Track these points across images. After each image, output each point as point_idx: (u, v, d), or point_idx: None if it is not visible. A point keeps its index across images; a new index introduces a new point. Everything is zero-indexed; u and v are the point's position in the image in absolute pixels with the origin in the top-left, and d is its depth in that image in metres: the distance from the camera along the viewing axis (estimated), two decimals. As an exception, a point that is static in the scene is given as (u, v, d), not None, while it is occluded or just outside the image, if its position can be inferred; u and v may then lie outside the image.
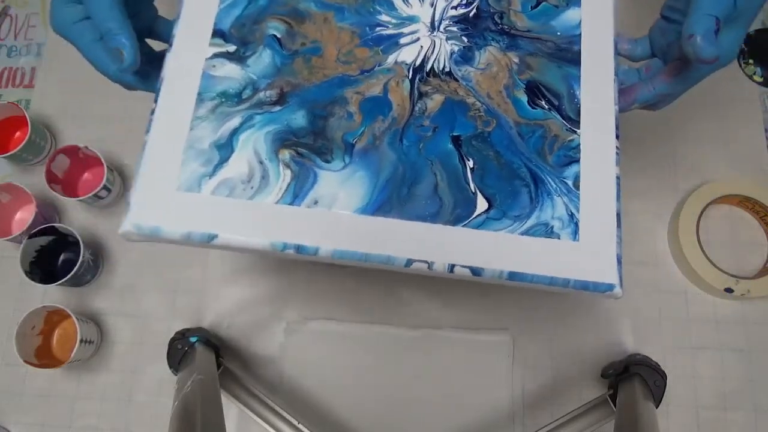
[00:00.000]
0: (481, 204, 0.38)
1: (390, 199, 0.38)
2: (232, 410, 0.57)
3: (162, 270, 0.63)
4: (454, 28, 0.42)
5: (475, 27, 0.42)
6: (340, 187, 0.38)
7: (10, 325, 0.58)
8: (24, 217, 0.64)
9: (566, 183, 0.39)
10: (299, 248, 0.36)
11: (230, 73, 0.40)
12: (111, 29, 0.37)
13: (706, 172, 0.65)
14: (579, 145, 0.40)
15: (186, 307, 0.62)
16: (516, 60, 0.42)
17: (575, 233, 0.38)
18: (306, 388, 0.60)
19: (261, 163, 0.38)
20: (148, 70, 0.41)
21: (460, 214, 0.38)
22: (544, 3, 0.43)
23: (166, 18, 0.44)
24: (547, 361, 0.60)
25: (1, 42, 0.73)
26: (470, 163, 0.39)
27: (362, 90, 0.40)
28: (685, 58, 0.39)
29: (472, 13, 0.43)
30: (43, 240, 0.60)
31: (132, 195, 0.37)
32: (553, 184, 0.39)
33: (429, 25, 0.42)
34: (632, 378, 0.52)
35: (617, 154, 0.40)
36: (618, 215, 0.38)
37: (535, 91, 0.41)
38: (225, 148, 0.38)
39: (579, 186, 0.39)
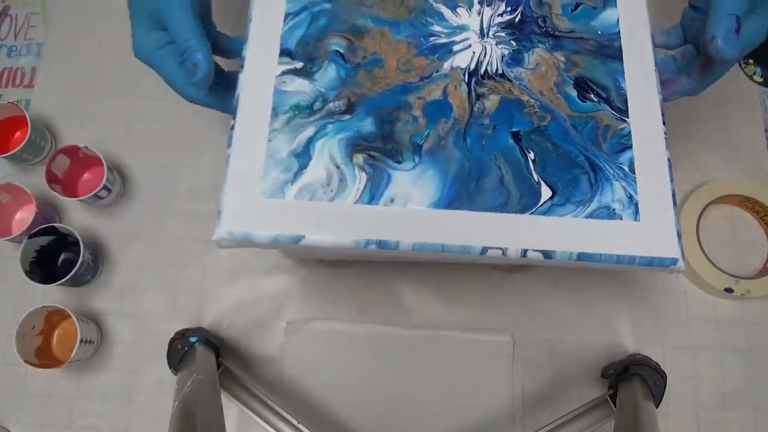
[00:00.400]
0: (545, 192, 0.41)
1: (460, 194, 0.40)
2: (232, 410, 0.57)
3: (162, 270, 0.63)
4: (502, 34, 0.45)
5: (521, 31, 0.46)
6: (413, 185, 0.40)
7: (10, 325, 0.58)
8: (24, 217, 0.64)
9: (622, 168, 0.42)
10: (381, 243, 0.39)
11: (300, 87, 0.43)
12: (191, 46, 0.40)
13: (706, 172, 0.65)
14: (630, 132, 0.43)
15: (186, 307, 0.62)
16: (562, 59, 0.45)
17: (636, 214, 0.41)
18: (306, 388, 0.60)
19: (337, 167, 0.40)
20: (219, 87, 0.44)
21: (526, 203, 0.40)
22: (582, 5, 0.46)
23: (225, 34, 0.46)
24: (547, 361, 0.60)
25: (1, 42, 0.73)
26: (531, 156, 0.42)
27: (423, 95, 0.43)
28: (708, 59, 0.42)
29: (517, 19, 0.46)
30: (43, 240, 0.60)
31: (222, 204, 0.40)
32: (610, 169, 0.42)
33: (478, 32, 0.45)
34: (632, 378, 0.52)
35: (665, 138, 0.43)
36: (673, 194, 0.42)
37: (583, 85, 0.44)
38: (303, 156, 0.41)
39: (634, 170, 0.42)
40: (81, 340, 0.57)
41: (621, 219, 0.40)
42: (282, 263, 0.63)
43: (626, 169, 0.42)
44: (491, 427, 0.58)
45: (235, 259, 0.63)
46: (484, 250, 0.39)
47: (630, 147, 0.42)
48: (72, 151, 0.62)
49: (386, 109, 0.42)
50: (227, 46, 0.45)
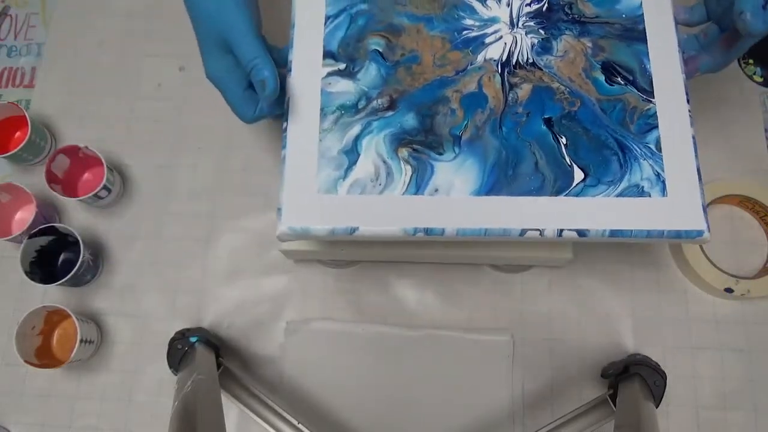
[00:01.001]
0: (578, 174, 0.43)
1: (498, 180, 0.43)
2: (232, 410, 0.57)
3: (162, 270, 0.63)
4: (531, 23, 0.47)
5: (549, 20, 0.48)
6: (455, 174, 0.43)
7: (10, 325, 0.58)
8: (24, 217, 0.64)
9: (649, 147, 0.44)
10: (428, 231, 0.42)
11: (345, 88, 0.45)
12: (257, 65, 0.42)
13: (706, 172, 0.64)
14: (656, 112, 0.45)
15: (186, 307, 0.62)
16: (589, 44, 0.47)
17: (663, 190, 0.43)
18: (306, 388, 0.60)
19: (384, 162, 0.43)
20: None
21: (561, 185, 0.43)
22: None
23: (276, 46, 0.48)
24: (547, 361, 0.60)
25: (1, 42, 0.73)
26: (563, 140, 0.44)
27: (460, 88, 0.45)
28: (736, 30, 0.42)
29: (544, 8, 0.48)
30: (43, 240, 0.60)
31: (282, 201, 0.43)
32: (638, 149, 0.44)
33: (509, 23, 0.48)
34: (632, 378, 0.52)
35: (690, 116, 0.44)
36: (698, 170, 0.43)
37: (610, 69, 0.46)
38: (351, 153, 0.44)
39: (661, 148, 0.44)
40: (81, 340, 0.57)
41: (650, 196, 0.42)
42: (282, 263, 0.63)
43: (653, 148, 0.44)
44: (491, 427, 0.58)
45: (235, 259, 0.63)
46: (523, 231, 0.42)
47: (656, 127, 0.44)
48: (72, 151, 0.62)
49: (426, 104, 0.45)
50: (278, 57, 0.47)
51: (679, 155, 0.44)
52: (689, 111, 0.45)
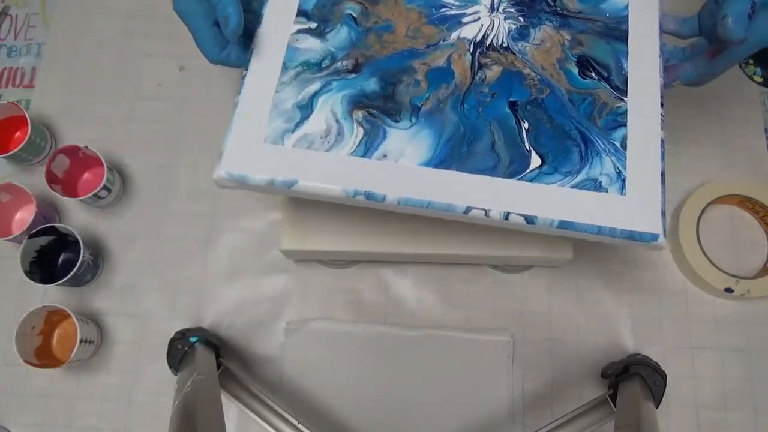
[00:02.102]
0: (535, 160, 0.42)
1: (451, 154, 0.42)
2: (232, 410, 0.57)
3: (162, 270, 0.63)
4: (512, 9, 0.47)
5: (530, 8, 0.47)
6: (407, 143, 0.42)
7: (10, 325, 0.58)
8: (24, 217, 0.64)
9: (614, 144, 0.42)
10: (369, 195, 0.41)
11: (311, 45, 0.45)
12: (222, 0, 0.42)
13: (706, 172, 0.65)
14: (626, 111, 0.44)
15: (186, 307, 0.62)
16: (568, 37, 0.46)
17: (622, 188, 0.41)
18: (306, 388, 0.60)
19: (337, 121, 0.43)
20: (246, 45, 0.45)
21: (515, 168, 0.42)
22: None
23: None
24: (547, 361, 0.60)
25: (1, 42, 0.73)
26: (525, 125, 0.43)
27: (428, 61, 0.45)
28: (723, 42, 0.42)
29: None
30: (43, 240, 0.60)
31: (225, 146, 0.42)
32: (601, 144, 0.43)
33: (489, 6, 0.47)
34: (632, 378, 0.52)
35: (662, 119, 0.43)
36: (663, 174, 0.42)
37: (585, 64, 0.45)
38: (306, 108, 0.43)
39: (626, 146, 0.42)
40: (81, 340, 0.56)
41: (607, 192, 0.41)
42: (282, 263, 0.63)
43: (618, 145, 0.42)
44: (491, 427, 0.58)
45: (235, 259, 0.63)
46: (468, 209, 0.40)
47: (624, 125, 0.43)
48: (72, 151, 0.62)
49: (391, 71, 0.44)
50: (257, 9, 0.47)
51: (644, 156, 0.42)
52: (662, 115, 0.44)
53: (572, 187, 0.41)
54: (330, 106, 0.43)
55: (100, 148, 0.62)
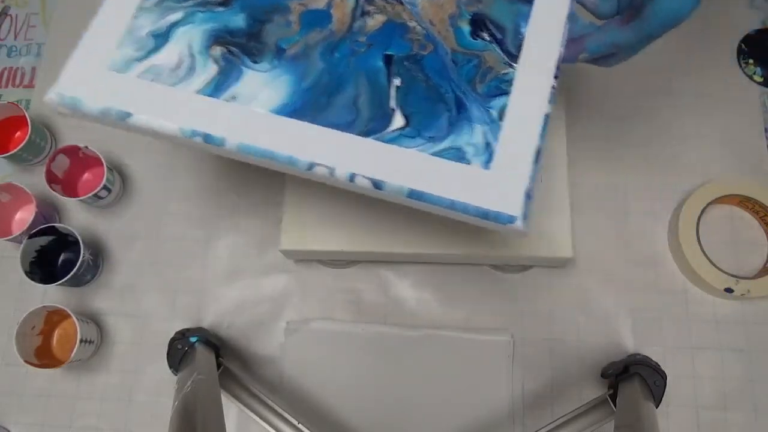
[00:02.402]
0: (398, 120, 0.38)
1: (307, 105, 0.38)
2: (232, 410, 0.57)
3: (162, 270, 0.63)
4: None
5: None
6: (262, 87, 0.39)
7: (10, 325, 0.58)
8: (24, 217, 0.64)
9: (491, 113, 0.39)
10: (206, 137, 0.38)
11: None
12: None
13: (706, 172, 0.64)
14: (512, 79, 0.40)
15: (186, 307, 0.62)
16: None
17: (488, 162, 0.37)
18: (306, 388, 0.60)
19: (191, 55, 0.40)
20: None
21: (373, 127, 0.38)
22: None
23: None
24: (547, 361, 0.60)
25: (1, 42, 0.73)
26: (397, 81, 0.40)
27: (306, 2, 0.42)
28: (635, 8, 0.39)
29: None
30: (43, 240, 0.60)
31: (65, 66, 0.39)
32: (476, 111, 0.39)
33: None
34: (632, 378, 0.52)
35: (552, 93, 0.39)
36: (538, 152, 0.38)
37: (479, 23, 0.42)
38: (161, 37, 0.40)
39: (503, 117, 0.39)
40: (81, 340, 0.57)
41: (469, 164, 0.37)
42: (282, 263, 0.63)
43: (495, 114, 0.39)
44: (491, 427, 0.58)
45: (235, 259, 0.63)
46: (311, 165, 0.37)
47: (507, 93, 0.39)
48: (72, 151, 0.62)
49: (263, 8, 0.41)
50: None
51: (521, 130, 0.38)
52: (553, 88, 0.39)
53: (432, 154, 0.37)
54: (188, 39, 0.40)
55: (100, 148, 0.62)
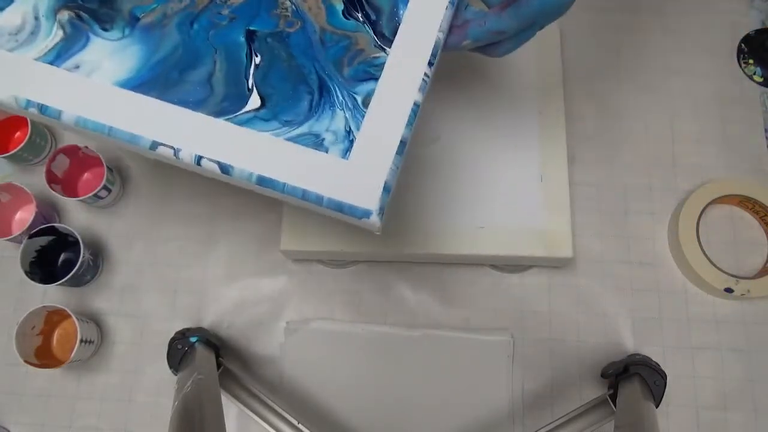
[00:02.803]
0: (254, 101, 0.36)
1: (156, 79, 0.36)
2: (232, 410, 0.57)
3: (162, 270, 0.63)
4: None
5: None
6: (109, 57, 0.37)
7: (10, 325, 0.58)
8: (24, 217, 0.64)
9: (355, 98, 0.37)
10: (42, 108, 0.35)
11: None
12: None
13: (706, 172, 0.65)
14: (383, 63, 0.38)
15: (186, 307, 0.62)
16: None
17: (347, 151, 0.35)
18: (306, 388, 0.60)
19: (36, 18, 0.37)
20: None
21: (226, 107, 0.36)
22: None
23: None
24: (547, 361, 0.60)
25: (1, 42, 0.73)
26: (257, 59, 0.38)
27: None
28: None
29: None
30: (43, 240, 0.60)
31: None
32: (340, 96, 0.37)
33: None
34: (632, 378, 0.52)
35: (425, 81, 0.37)
36: (403, 143, 0.36)
37: (354, 1, 0.39)
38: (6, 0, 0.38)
39: (368, 104, 0.36)
40: (81, 340, 0.57)
41: (327, 152, 0.35)
42: (282, 263, 0.63)
43: (359, 100, 0.37)
44: (491, 427, 0.58)
45: (235, 258, 0.63)
46: (155, 145, 0.35)
47: (375, 79, 0.37)
48: (72, 151, 0.62)
49: None
50: None
51: (387, 118, 0.36)
52: (426, 76, 0.37)
53: (288, 139, 0.35)
54: (34, 1, 0.38)
55: (100, 148, 0.62)
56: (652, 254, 0.62)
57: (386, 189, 0.35)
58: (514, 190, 0.57)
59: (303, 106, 0.36)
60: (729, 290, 0.59)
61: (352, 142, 0.36)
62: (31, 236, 0.59)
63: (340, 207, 0.34)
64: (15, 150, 0.61)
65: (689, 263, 0.60)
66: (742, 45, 0.69)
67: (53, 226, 0.59)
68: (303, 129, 0.36)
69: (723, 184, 0.62)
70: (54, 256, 0.63)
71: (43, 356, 0.59)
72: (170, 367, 0.55)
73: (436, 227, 0.56)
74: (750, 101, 0.67)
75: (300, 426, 0.51)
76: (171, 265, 0.63)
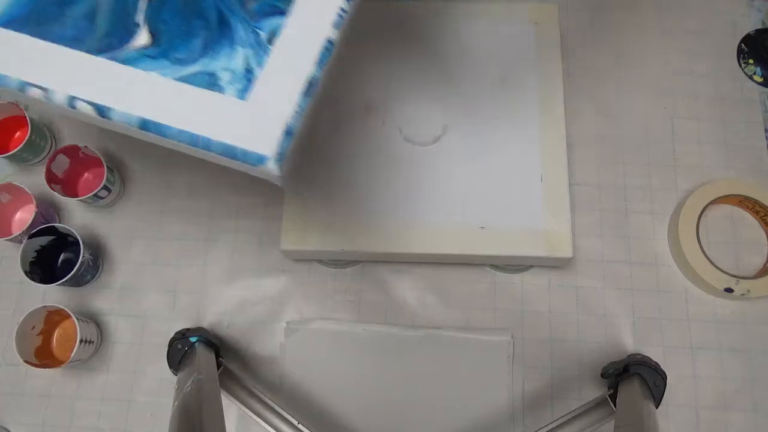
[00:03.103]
0: (143, 37, 0.33)
1: (31, 14, 0.33)
2: (232, 410, 0.57)
3: (162, 270, 0.63)
4: None
5: None
6: None
7: (10, 325, 0.58)
8: (24, 217, 0.64)
9: (258, 34, 0.34)
10: None
11: None
12: None
13: (706, 172, 0.65)
14: None
15: (186, 307, 0.62)
16: None
17: (245, 91, 0.33)
18: (306, 388, 0.60)
19: None
20: None
21: (109, 43, 0.33)
22: None
23: None
24: (547, 361, 0.60)
25: None
26: None
27: None
28: None
29: None
30: (43, 240, 0.60)
31: None
32: (242, 32, 0.34)
33: None
34: (632, 378, 0.52)
35: (340, 16, 0.34)
36: (311, 83, 0.33)
37: None
38: None
39: (273, 41, 0.34)
40: (81, 340, 0.56)
41: (222, 92, 0.33)
42: (282, 263, 0.63)
43: (264, 36, 0.34)
44: (491, 427, 0.58)
45: (235, 259, 0.63)
46: (24, 85, 0.32)
47: (283, 14, 0.34)
48: (72, 151, 0.62)
49: None
50: None
51: (294, 56, 0.33)
52: (342, 11, 0.34)
53: (178, 79, 0.32)
54: None
55: (100, 148, 0.62)
56: (652, 254, 0.62)
57: (288, 133, 0.32)
58: (514, 190, 0.57)
59: (197, 43, 0.33)
60: (729, 290, 0.59)
61: (251, 81, 0.33)
62: (31, 236, 0.59)
63: (232, 152, 0.32)
64: (15, 150, 0.61)
65: (689, 263, 0.60)
66: (742, 45, 0.69)
67: (53, 226, 0.59)
68: (196, 67, 0.33)
69: (723, 184, 0.62)
70: (54, 256, 0.63)
71: (43, 356, 0.59)
72: (170, 367, 0.55)
73: (436, 227, 0.56)
74: (750, 101, 0.67)
75: (300, 426, 0.51)
76: (171, 265, 0.63)
